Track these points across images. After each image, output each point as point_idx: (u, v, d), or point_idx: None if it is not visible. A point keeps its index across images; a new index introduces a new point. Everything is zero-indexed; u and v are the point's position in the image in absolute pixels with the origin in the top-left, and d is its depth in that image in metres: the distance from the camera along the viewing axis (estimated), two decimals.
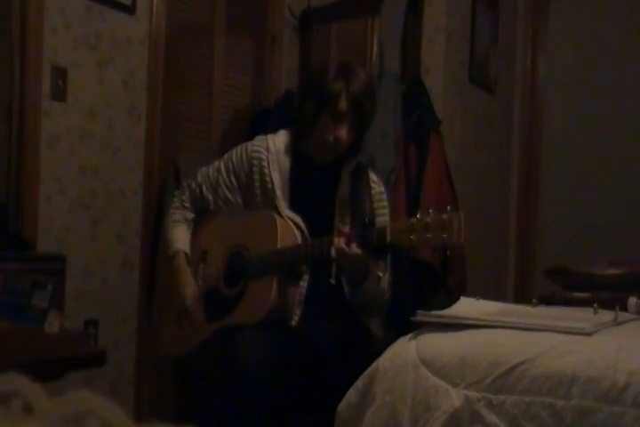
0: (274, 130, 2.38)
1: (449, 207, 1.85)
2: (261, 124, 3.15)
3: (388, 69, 3.53)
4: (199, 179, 2.37)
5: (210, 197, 2.33)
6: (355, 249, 1.98)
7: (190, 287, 2.29)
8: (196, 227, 2.38)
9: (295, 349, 2.09)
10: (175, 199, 2.42)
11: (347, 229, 2.06)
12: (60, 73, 2.50)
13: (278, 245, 2.13)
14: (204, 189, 2.35)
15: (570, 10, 4.60)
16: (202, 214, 2.39)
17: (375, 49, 3.65)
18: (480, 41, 4.03)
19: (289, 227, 2.17)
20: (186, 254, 2.33)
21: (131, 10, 2.74)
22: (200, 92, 3.19)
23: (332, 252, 2.01)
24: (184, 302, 2.27)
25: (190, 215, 2.38)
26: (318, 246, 2.07)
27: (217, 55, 3.26)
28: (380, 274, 2.21)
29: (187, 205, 2.38)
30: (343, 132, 2.18)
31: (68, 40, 2.52)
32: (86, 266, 2.62)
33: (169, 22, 2.95)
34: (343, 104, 2.16)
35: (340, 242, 1.99)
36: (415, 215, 1.87)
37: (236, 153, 2.33)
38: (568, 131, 4.60)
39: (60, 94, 2.50)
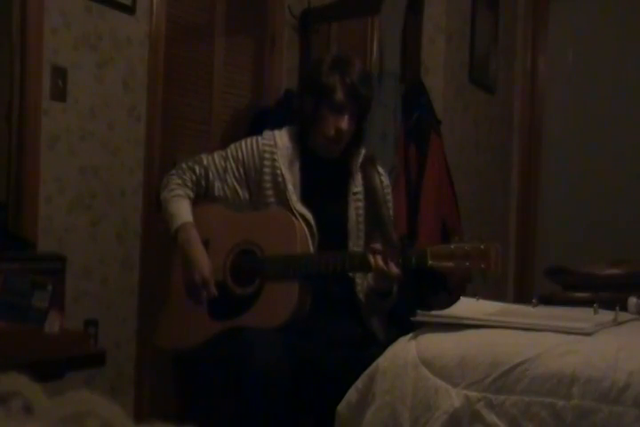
0: (274, 130, 2.38)
1: (482, 236, 1.93)
2: (261, 124, 3.15)
3: (387, 69, 3.52)
4: (204, 162, 2.31)
5: (216, 184, 2.28)
6: (394, 269, 2.00)
7: (205, 259, 2.19)
8: (196, 212, 2.28)
9: (300, 348, 2.09)
10: (174, 177, 2.32)
11: (379, 246, 2.06)
12: (59, 73, 2.49)
13: (298, 250, 2.12)
14: (211, 174, 2.29)
15: (570, 10, 4.60)
16: (199, 199, 2.31)
17: (375, 49, 3.65)
18: (480, 41, 4.03)
19: (303, 229, 2.15)
20: (194, 227, 2.23)
21: (131, 10, 2.74)
22: (200, 92, 3.19)
23: (368, 269, 2.04)
24: (202, 274, 2.17)
25: (192, 195, 2.29)
26: (351, 261, 2.07)
27: (217, 55, 3.25)
28: None
29: (189, 184, 2.30)
30: (344, 124, 2.19)
31: (68, 40, 2.52)
32: (86, 266, 2.61)
33: (169, 22, 2.95)
34: (340, 95, 2.18)
35: (378, 261, 2.00)
36: (452, 240, 1.93)
37: (245, 145, 2.30)
38: (568, 131, 4.60)
39: (60, 94, 2.50)
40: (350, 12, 3.57)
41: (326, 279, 2.18)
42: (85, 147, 2.61)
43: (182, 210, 2.25)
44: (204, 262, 2.19)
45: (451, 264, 1.89)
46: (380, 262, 1.99)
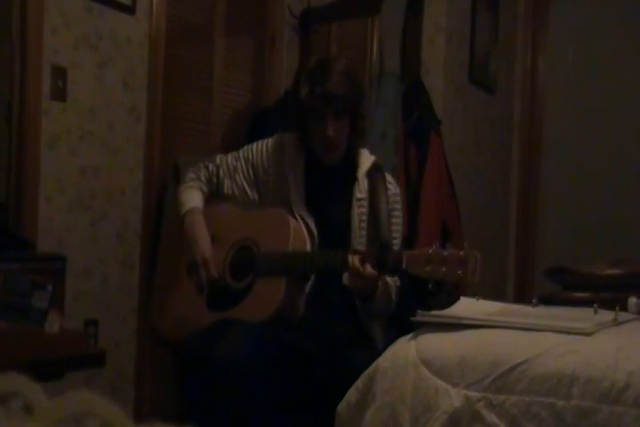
0: (274, 130, 2.41)
1: (465, 244, 1.91)
2: (262, 124, 3.16)
3: (387, 69, 3.53)
4: (217, 161, 2.39)
5: (226, 182, 2.35)
6: (369, 270, 2.00)
7: (207, 242, 2.25)
8: (206, 209, 2.34)
9: (294, 347, 2.10)
10: (190, 173, 2.40)
11: (361, 247, 2.09)
12: (60, 73, 2.49)
13: (290, 248, 2.14)
14: (221, 172, 2.36)
15: (570, 10, 4.60)
16: (211, 197, 2.37)
17: (375, 49, 3.65)
18: (480, 41, 4.04)
19: (300, 229, 2.18)
20: (201, 212, 2.29)
21: (131, 10, 2.74)
22: (200, 92, 3.19)
23: (346, 268, 2.04)
24: (202, 254, 2.22)
25: (204, 188, 2.37)
26: (332, 260, 2.08)
27: (217, 55, 3.25)
28: (389, 280, 2.22)
29: (202, 179, 2.37)
30: (331, 130, 2.19)
31: (68, 40, 2.52)
32: (86, 266, 2.61)
33: (169, 22, 2.94)
34: (317, 104, 2.19)
35: (355, 261, 2.01)
36: (432, 246, 1.92)
37: (257, 147, 2.36)
38: (568, 130, 4.61)
39: (59, 94, 2.50)
40: (350, 12, 3.57)
41: (324, 281, 2.19)
42: (85, 147, 2.61)
43: (192, 198, 2.33)
44: (205, 244, 2.25)
45: (427, 269, 1.89)
46: (357, 262, 2.00)
